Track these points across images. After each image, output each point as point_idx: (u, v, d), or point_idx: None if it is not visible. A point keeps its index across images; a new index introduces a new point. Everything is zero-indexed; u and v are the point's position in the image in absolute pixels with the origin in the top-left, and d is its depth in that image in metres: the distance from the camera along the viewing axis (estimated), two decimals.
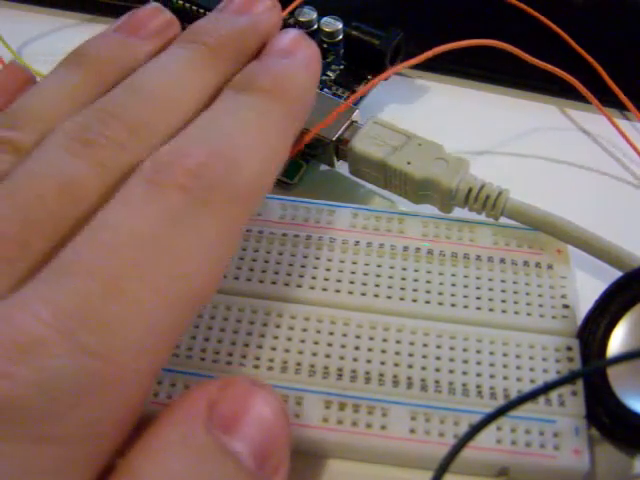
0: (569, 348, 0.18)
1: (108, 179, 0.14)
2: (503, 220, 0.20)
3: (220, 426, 0.13)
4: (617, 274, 0.19)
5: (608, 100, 0.24)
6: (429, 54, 0.20)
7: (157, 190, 0.13)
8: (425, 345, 0.18)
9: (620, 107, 0.25)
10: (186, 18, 0.26)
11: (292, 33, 0.18)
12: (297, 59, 0.17)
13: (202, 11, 0.26)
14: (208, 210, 0.14)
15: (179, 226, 0.13)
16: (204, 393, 0.13)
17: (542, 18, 0.25)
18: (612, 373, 0.17)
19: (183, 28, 0.27)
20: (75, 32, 0.28)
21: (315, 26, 0.26)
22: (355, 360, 0.18)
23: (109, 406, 0.12)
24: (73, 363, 0.11)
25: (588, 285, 0.20)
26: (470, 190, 0.20)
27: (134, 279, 0.12)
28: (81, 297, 0.12)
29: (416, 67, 0.26)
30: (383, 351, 0.18)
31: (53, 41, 0.28)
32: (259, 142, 0.15)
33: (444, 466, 0.14)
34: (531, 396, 0.15)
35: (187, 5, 0.26)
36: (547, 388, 0.15)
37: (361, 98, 0.24)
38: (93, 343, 0.12)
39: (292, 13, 0.26)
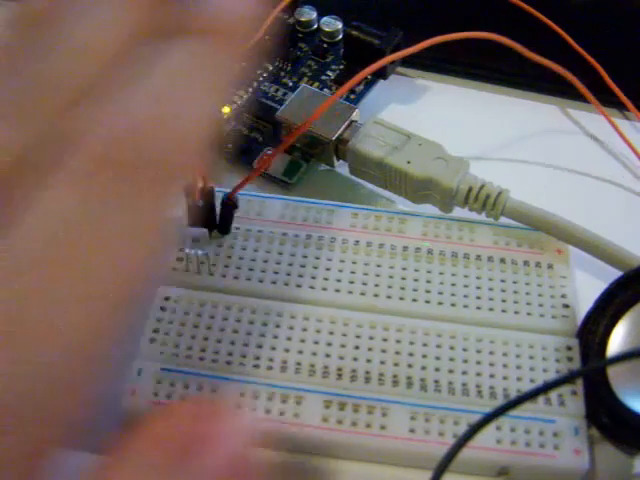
0: (569, 348, 0.18)
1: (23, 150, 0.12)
2: (503, 220, 0.20)
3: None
4: (617, 274, 0.19)
5: (608, 100, 0.24)
6: (426, 44, 0.20)
7: (73, 167, 0.12)
8: (425, 345, 0.18)
9: (620, 107, 0.24)
10: None
11: None
12: None
13: None
14: (139, 192, 0.12)
15: (109, 210, 0.12)
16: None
17: (542, 17, 0.25)
18: (612, 373, 0.17)
19: None
20: None
21: (315, 26, 0.26)
22: (355, 360, 0.18)
23: None
24: None
25: (588, 285, 0.20)
26: (470, 190, 0.20)
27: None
28: None
29: (416, 67, 0.26)
30: (383, 351, 0.18)
31: None
32: (200, 98, 0.13)
33: (443, 466, 0.14)
34: (531, 396, 0.15)
35: None
36: (547, 388, 0.15)
37: (360, 96, 0.24)
38: None
39: (292, 13, 0.26)
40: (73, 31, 0.13)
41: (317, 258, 0.20)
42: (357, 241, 0.20)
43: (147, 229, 0.12)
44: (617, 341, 0.17)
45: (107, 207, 0.12)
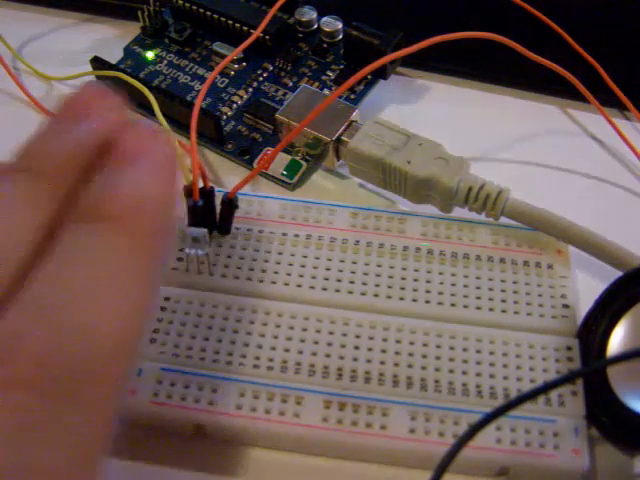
0: (569, 348, 0.18)
1: None
2: (503, 220, 0.20)
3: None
4: (617, 274, 0.19)
5: (608, 100, 0.24)
6: (426, 44, 0.20)
7: None
8: (425, 345, 0.18)
9: (620, 107, 0.24)
10: (187, 18, 0.27)
11: (138, 131, 0.15)
12: (146, 167, 0.14)
13: (202, 11, 0.26)
14: (62, 408, 0.11)
15: (26, 440, 0.11)
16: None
17: (542, 17, 0.25)
18: (612, 373, 0.17)
19: (188, 30, 0.26)
20: (75, 32, 0.28)
21: (315, 26, 0.26)
22: (355, 360, 0.18)
23: None
24: None
25: (588, 285, 0.20)
26: (470, 189, 0.20)
27: None
28: None
29: (416, 67, 0.26)
30: (383, 351, 0.18)
31: (53, 41, 0.28)
32: (114, 296, 0.13)
33: (443, 466, 0.14)
34: (531, 396, 0.15)
35: (187, 5, 0.26)
36: (547, 388, 0.15)
37: (360, 96, 0.24)
38: None
39: (292, 13, 0.26)
40: None
41: (317, 258, 0.20)
42: (357, 241, 0.20)
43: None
44: (617, 341, 0.17)
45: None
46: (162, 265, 0.14)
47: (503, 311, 0.19)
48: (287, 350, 0.18)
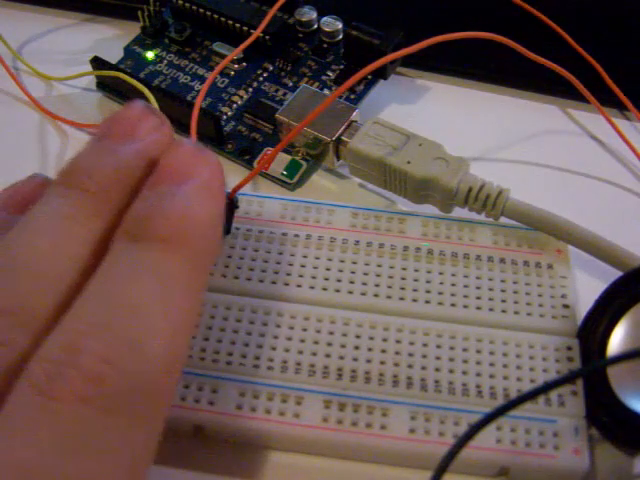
0: (569, 348, 0.18)
1: None
2: (503, 220, 0.20)
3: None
4: (617, 274, 0.19)
5: (608, 100, 0.24)
6: (426, 44, 0.20)
7: (50, 406, 0.11)
8: (425, 345, 0.18)
9: (620, 107, 0.25)
10: (187, 18, 0.27)
11: (184, 150, 0.15)
12: (194, 186, 0.14)
13: (202, 11, 0.26)
14: (116, 422, 0.12)
15: (80, 452, 0.11)
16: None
17: (542, 17, 0.25)
18: (612, 373, 0.17)
19: (188, 30, 0.26)
20: (75, 32, 0.28)
21: (315, 26, 0.26)
22: (355, 360, 0.18)
23: None
24: None
25: (588, 285, 0.20)
26: (470, 189, 0.20)
27: None
28: None
29: (416, 67, 0.26)
30: (383, 351, 0.18)
31: (53, 41, 0.28)
32: (165, 313, 0.13)
33: (444, 466, 0.14)
34: (531, 396, 0.15)
35: (187, 5, 0.26)
36: (547, 388, 0.15)
37: (360, 96, 0.24)
38: None
39: (292, 13, 0.26)
40: (28, 257, 0.13)
41: (317, 258, 0.20)
42: (357, 241, 0.20)
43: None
44: (617, 341, 0.17)
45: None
46: (207, 282, 0.15)
47: (503, 311, 0.19)
48: (287, 350, 0.18)
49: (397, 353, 0.18)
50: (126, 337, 0.12)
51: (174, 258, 0.13)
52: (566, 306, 0.19)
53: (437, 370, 0.18)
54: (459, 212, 0.21)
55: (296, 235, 0.20)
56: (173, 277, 0.13)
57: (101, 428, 0.12)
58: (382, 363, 0.18)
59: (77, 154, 0.15)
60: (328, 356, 0.18)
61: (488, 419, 0.15)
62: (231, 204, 0.20)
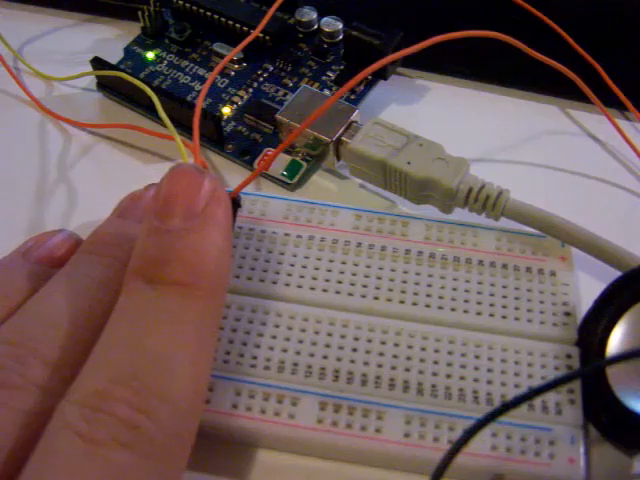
0: (568, 356, 0.18)
1: (30, 425, 0.13)
2: (506, 223, 0.20)
3: None
4: (617, 274, 0.19)
5: (608, 100, 0.24)
6: (426, 44, 0.20)
7: (93, 450, 0.12)
8: (423, 349, 0.18)
9: (620, 107, 0.24)
10: (187, 18, 0.27)
11: (185, 176, 0.15)
12: (202, 221, 0.14)
13: (202, 11, 0.26)
14: (156, 466, 0.12)
15: None
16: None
17: (543, 17, 0.25)
18: (612, 373, 0.17)
19: (188, 30, 0.26)
20: (75, 32, 0.28)
21: (315, 26, 0.26)
22: (352, 362, 0.18)
23: None
24: None
25: (588, 285, 0.20)
26: (470, 190, 0.20)
27: None
28: None
29: (416, 67, 0.26)
30: (381, 354, 0.18)
31: (53, 41, 0.28)
32: (189, 359, 0.13)
33: (440, 472, 0.14)
34: (527, 397, 0.15)
35: (187, 5, 0.26)
36: (546, 388, 0.15)
37: (360, 96, 0.24)
38: None
39: (292, 13, 0.26)
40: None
41: (319, 259, 0.20)
42: (359, 243, 0.20)
43: None
44: (616, 341, 0.17)
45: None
46: (223, 311, 0.16)
47: (503, 317, 0.19)
48: (285, 350, 0.18)
49: (395, 356, 0.18)
50: (155, 387, 0.13)
51: (193, 302, 0.14)
52: (567, 314, 0.19)
53: (434, 374, 0.18)
54: (459, 212, 0.21)
55: (299, 236, 0.20)
56: (193, 322, 0.14)
57: (144, 472, 0.12)
58: (379, 366, 0.18)
59: (101, 226, 0.18)
60: (325, 357, 0.18)
61: (485, 421, 0.15)
62: (234, 203, 0.20)
